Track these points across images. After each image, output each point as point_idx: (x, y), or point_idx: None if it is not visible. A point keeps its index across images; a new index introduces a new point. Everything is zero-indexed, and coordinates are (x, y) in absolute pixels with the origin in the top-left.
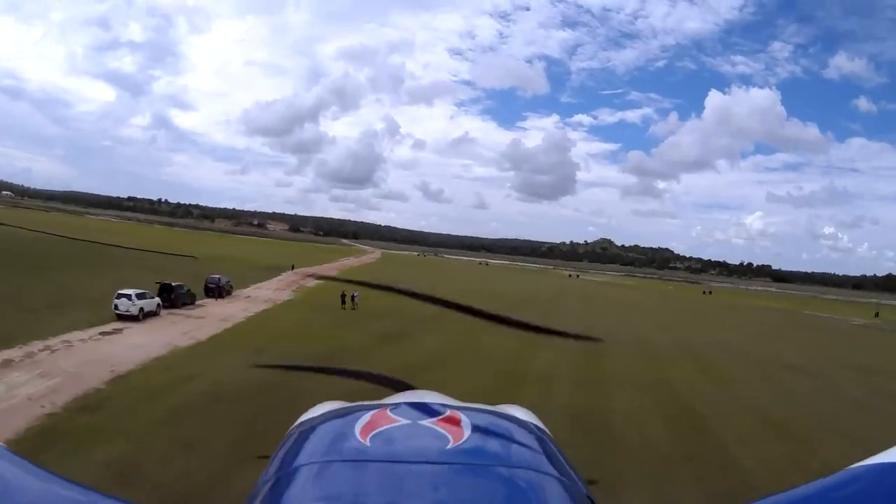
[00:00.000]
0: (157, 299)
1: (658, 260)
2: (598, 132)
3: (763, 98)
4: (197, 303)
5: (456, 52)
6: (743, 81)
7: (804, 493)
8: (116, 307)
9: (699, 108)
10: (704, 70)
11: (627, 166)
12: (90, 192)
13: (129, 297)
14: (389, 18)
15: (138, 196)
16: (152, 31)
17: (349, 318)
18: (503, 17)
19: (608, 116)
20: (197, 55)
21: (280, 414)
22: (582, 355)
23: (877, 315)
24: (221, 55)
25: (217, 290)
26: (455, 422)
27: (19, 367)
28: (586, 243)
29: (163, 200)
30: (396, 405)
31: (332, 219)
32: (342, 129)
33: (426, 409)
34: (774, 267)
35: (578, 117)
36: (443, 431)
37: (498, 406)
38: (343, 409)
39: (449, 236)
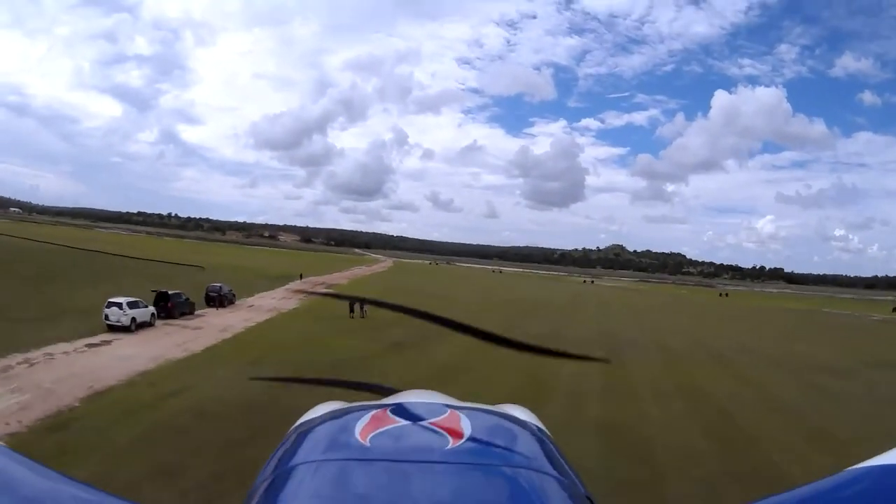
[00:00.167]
0: (152, 308)
1: (671, 265)
2: (605, 136)
3: (769, 96)
4: (197, 312)
5: (464, 61)
6: (749, 82)
7: (804, 493)
8: (107, 317)
9: (706, 109)
10: (711, 73)
11: (636, 170)
12: (99, 207)
13: (119, 306)
14: (396, 28)
15: (148, 211)
16: (159, 44)
17: (357, 327)
18: (510, 25)
19: (615, 120)
20: (204, 68)
21: (269, 437)
22: (607, 364)
23: (894, 310)
24: (229, 68)
25: (218, 299)
26: (455, 422)
27: None
28: (598, 249)
29: (172, 215)
30: (396, 405)
31: (344, 230)
32: (350, 141)
33: (426, 410)
34: (786, 270)
35: (586, 121)
36: (442, 432)
37: (498, 406)
38: (343, 409)
39: (461, 245)
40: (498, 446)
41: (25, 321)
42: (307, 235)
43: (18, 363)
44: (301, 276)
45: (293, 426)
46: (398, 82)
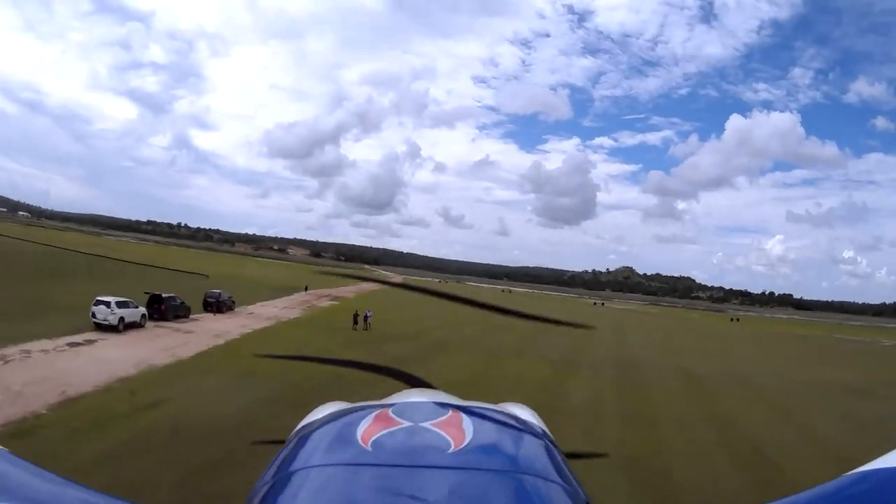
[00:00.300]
0: (143, 310)
1: (681, 289)
2: (618, 154)
3: (783, 120)
4: (193, 317)
5: (480, 80)
6: (764, 106)
7: (809, 497)
8: (94, 315)
9: (720, 131)
10: (727, 97)
11: (648, 186)
12: (109, 214)
13: (107, 304)
14: (412, 45)
15: (157, 220)
16: (174, 53)
17: (359, 340)
18: (524, 44)
19: (629, 139)
20: (219, 78)
21: (247, 466)
22: (625, 385)
23: None
24: (244, 78)
25: (216, 305)
26: (457, 424)
27: None
28: (608, 272)
29: (182, 225)
30: (398, 405)
31: (353, 245)
32: (364, 152)
33: (428, 410)
34: (795, 295)
35: (599, 140)
36: (444, 434)
37: (500, 405)
38: (345, 410)
39: (471, 263)
40: (499, 450)
41: (10, 316)
42: (317, 250)
43: None
44: (306, 289)
45: (295, 429)
46: (414, 98)
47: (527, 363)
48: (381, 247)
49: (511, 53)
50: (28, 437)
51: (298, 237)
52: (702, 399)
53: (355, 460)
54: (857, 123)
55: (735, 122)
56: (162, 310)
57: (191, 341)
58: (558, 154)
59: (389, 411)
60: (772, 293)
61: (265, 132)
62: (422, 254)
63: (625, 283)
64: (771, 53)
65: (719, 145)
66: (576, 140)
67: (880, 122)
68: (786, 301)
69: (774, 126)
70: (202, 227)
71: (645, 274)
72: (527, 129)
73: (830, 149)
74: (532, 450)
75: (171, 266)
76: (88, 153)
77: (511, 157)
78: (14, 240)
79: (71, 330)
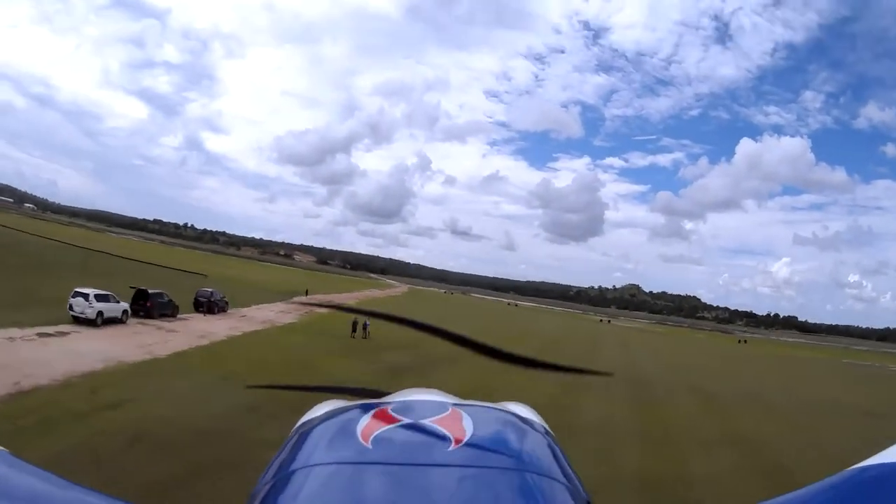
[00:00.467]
0: (125, 305)
1: (686, 308)
2: (628, 174)
3: (794, 145)
4: (182, 316)
5: (492, 94)
6: (775, 130)
7: (808, 493)
8: (71, 307)
9: (730, 154)
10: (738, 120)
11: (656, 206)
12: (116, 211)
13: (86, 296)
14: (426, 56)
15: (164, 219)
16: (188, 53)
17: (356, 348)
18: (538, 59)
19: (639, 160)
20: (232, 80)
21: (212, 481)
22: (637, 403)
23: None
24: (257, 82)
25: (207, 305)
26: (457, 421)
27: None
28: (615, 288)
29: (189, 225)
30: (398, 404)
31: (360, 253)
32: (374, 162)
33: (428, 408)
34: (800, 318)
35: (610, 160)
36: (444, 431)
37: (500, 403)
38: (344, 408)
39: (477, 276)
40: (499, 447)
41: None
42: (323, 257)
43: None
44: (307, 293)
45: (295, 426)
46: (426, 110)
47: (535, 376)
48: (387, 256)
49: (524, 68)
50: None
51: (305, 243)
52: (718, 419)
53: (356, 458)
54: (867, 149)
55: (745, 146)
56: (147, 306)
57: (172, 340)
58: (568, 172)
59: (389, 409)
60: (776, 315)
61: (276, 138)
62: (428, 265)
63: (631, 300)
64: (784, 76)
65: (729, 168)
66: (586, 159)
67: (890, 149)
68: (791, 324)
69: (784, 151)
70: (209, 228)
71: (651, 292)
72: (537, 147)
73: (839, 174)
74: (533, 447)
75: (170, 265)
76: (99, 149)
77: (521, 174)
78: (13, 231)
79: (48, 321)
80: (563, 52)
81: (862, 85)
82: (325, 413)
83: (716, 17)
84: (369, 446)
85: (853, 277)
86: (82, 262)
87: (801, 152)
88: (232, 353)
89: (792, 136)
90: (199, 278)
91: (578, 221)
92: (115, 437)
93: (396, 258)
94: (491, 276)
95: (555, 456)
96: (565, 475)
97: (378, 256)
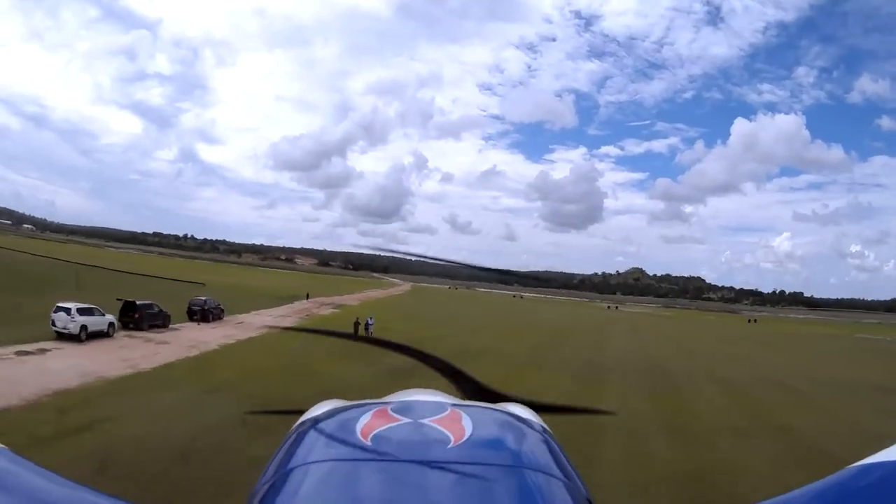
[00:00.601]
0: (110, 318)
1: (691, 290)
2: (625, 162)
3: (788, 123)
4: (175, 326)
5: (485, 87)
6: (768, 108)
7: (808, 492)
8: (53, 323)
9: (725, 136)
10: (731, 99)
11: (655, 193)
12: (115, 227)
13: (68, 311)
14: (418, 52)
15: (164, 232)
16: (179, 63)
17: (356, 350)
18: (530, 48)
19: (635, 147)
20: (225, 89)
21: None
22: (659, 395)
23: None
24: (249, 89)
25: (201, 313)
26: (456, 420)
27: None
28: (618, 273)
29: (189, 236)
30: (397, 403)
31: (362, 253)
32: (370, 164)
33: (427, 407)
34: (805, 293)
35: (606, 148)
36: (444, 430)
37: (499, 404)
38: (344, 407)
39: (480, 269)
40: (499, 445)
41: None
42: (324, 259)
43: None
44: (308, 296)
45: (294, 425)
46: (420, 107)
47: (548, 376)
48: (389, 254)
49: (517, 58)
50: None
51: (306, 247)
52: (746, 408)
53: (356, 455)
54: (862, 123)
55: (740, 126)
56: (136, 318)
57: (160, 352)
58: (565, 163)
59: (388, 409)
60: (782, 292)
61: (271, 145)
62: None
63: (635, 285)
64: (776, 53)
65: (725, 151)
66: (582, 149)
67: (885, 122)
68: (797, 300)
69: (780, 129)
70: (209, 238)
71: (655, 275)
72: (533, 139)
73: (836, 152)
74: (532, 445)
75: (167, 276)
76: (95, 166)
77: (518, 168)
78: (5, 250)
79: (30, 339)
80: (554, 40)
81: (854, 58)
82: (325, 412)
83: (707, 2)
84: (369, 444)
85: (855, 247)
86: (76, 277)
87: (797, 130)
88: (223, 363)
89: (786, 113)
90: (199, 288)
91: (578, 211)
92: (79, 464)
93: (398, 256)
94: (493, 267)
95: (554, 454)
96: (564, 473)
97: (380, 255)
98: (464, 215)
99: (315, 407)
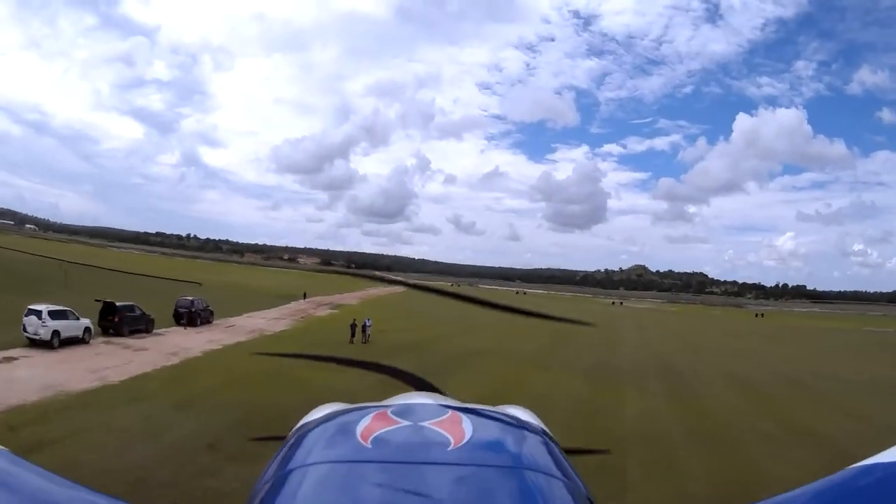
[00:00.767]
0: (86, 322)
1: (694, 285)
2: (628, 161)
3: (789, 117)
4: (159, 330)
5: (485, 87)
6: (769, 103)
7: (808, 492)
8: (24, 328)
9: (727, 133)
10: (731, 94)
11: (658, 193)
12: (118, 227)
13: (38, 314)
14: (416, 53)
15: (167, 232)
16: (178, 69)
17: (354, 354)
18: (529, 48)
19: (637, 145)
20: (224, 93)
21: None
22: (677, 398)
23: None
24: (249, 93)
25: (188, 316)
26: (456, 423)
27: None
28: (621, 270)
29: (192, 236)
30: (397, 406)
31: (364, 253)
32: (373, 166)
33: (427, 410)
34: (808, 287)
35: (608, 147)
36: (444, 433)
37: (499, 407)
38: (343, 410)
39: (483, 267)
40: (500, 447)
41: None
42: (327, 258)
43: None
44: (305, 296)
45: (294, 428)
46: (420, 108)
47: (555, 377)
48: (392, 254)
49: (516, 58)
50: None
51: (309, 246)
52: (767, 410)
53: (356, 457)
54: (864, 116)
55: (742, 121)
56: (116, 322)
57: (135, 360)
58: (567, 163)
59: (388, 412)
60: (785, 285)
61: (273, 148)
62: (435, 259)
63: (638, 281)
64: (776, 48)
65: (728, 148)
66: (584, 148)
67: (886, 115)
68: (800, 293)
69: (782, 124)
70: (212, 237)
71: (658, 271)
72: (535, 138)
73: (838, 147)
74: (533, 446)
75: (163, 275)
76: (97, 171)
77: (520, 168)
78: (4, 250)
79: (0, 345)
80: (553, 40)
81: (855, 51)
82: (325, 415)
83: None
84: (368, 446)
85: (858, 246)
86: (75, 279)
87: (799, 124)
88: (204, 372)
89: (787, 107)
90: (193, 287)
91: (581, 211)
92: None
93: (401, 255)
94: (497, 266)
95: (554, 456)
96: (565, 474)
97: (383, 254)
98: (467, 216)
99: (315, 410)
